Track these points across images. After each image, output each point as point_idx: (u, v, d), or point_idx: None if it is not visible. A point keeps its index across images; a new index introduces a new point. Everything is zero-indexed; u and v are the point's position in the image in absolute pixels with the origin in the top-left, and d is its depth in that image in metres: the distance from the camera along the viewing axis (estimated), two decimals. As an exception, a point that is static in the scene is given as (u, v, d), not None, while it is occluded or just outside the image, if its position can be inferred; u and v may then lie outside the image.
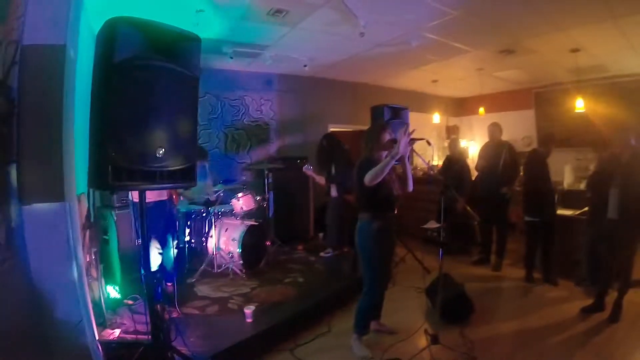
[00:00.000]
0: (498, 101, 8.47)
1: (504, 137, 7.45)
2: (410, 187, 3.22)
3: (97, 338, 2.67)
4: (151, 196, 3.02)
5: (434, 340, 3.15)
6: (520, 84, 7.73)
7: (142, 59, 1.97)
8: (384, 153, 3.13)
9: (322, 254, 5.53)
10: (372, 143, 3.15)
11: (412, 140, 2.96)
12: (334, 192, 5.04)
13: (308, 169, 4.96)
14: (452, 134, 8.82)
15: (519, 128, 7.83)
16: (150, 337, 2.35)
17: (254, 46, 5.12)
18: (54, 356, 2.23)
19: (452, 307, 3.68)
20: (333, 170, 4.87)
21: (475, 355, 3.09)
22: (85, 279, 2.60)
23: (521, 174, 5.19)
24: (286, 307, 3.78)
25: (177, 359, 2.60)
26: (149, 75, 2.00)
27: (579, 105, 6.09)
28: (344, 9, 3.89)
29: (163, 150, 2.07)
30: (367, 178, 2.90)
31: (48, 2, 2.20)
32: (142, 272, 2.29)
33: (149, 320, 2.31)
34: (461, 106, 9.54)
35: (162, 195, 3.71)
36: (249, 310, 3.45)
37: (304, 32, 4.65)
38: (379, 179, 2.87)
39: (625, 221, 3.61)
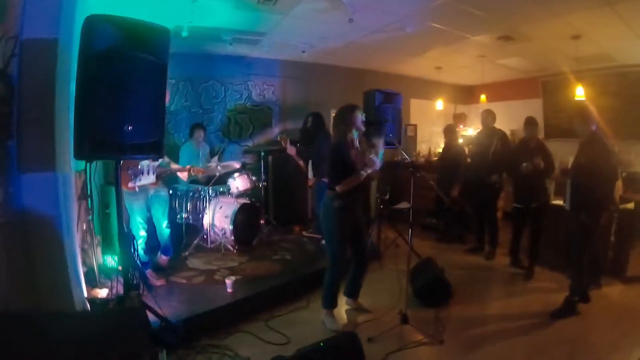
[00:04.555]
0: (505, 89, 8.41)
1: (512, 126, 7.49)
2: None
3: (85, 295, 2.99)
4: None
5: (404, 320, 3.28)
6: (527, 72, 7.66)
7: (116, 49, 2.27)
8: (356, 134, 3.28)
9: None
10: (343, 125, 3.25)
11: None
12: (310, 175, 5.11)
13: (285, 139, 5.03)
14: (460, 122, 8.81)
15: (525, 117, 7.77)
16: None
17: (252, 33, 5.31)
18: (44, 306, 2.55)
19: (429, 291, 3.81)
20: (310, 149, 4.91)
21: (443, 338, 3.18)
22: (75, 235, 2.96)
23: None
24: (267, 281, 4.01)
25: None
26: (121, 64, 2.30)
27: (579, 93, 6.02)
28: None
29: (131, 127, 2.34)
30: (342, 187, 3.13)
31: (43, 2, 2.53)
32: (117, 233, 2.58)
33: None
34: (470, 94, 9.48)
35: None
36: (229, 280, 3.69)
37: (297, 20, 4.79)
38: (351, 187, 3.14)
39: (576, 213, 3.59)
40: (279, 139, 5.05)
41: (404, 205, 4.74)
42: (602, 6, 4.26)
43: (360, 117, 3.27)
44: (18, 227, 2.46)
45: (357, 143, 3.29)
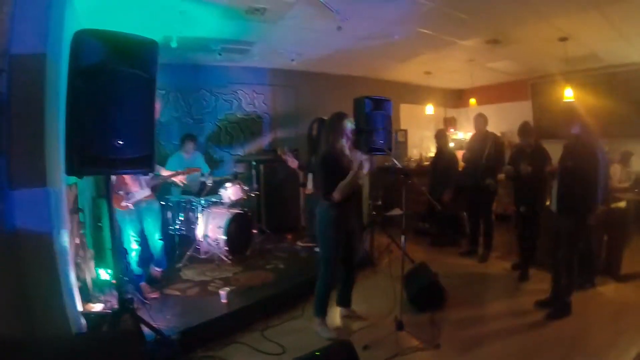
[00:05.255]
0: (495, 92, 8.53)
1: (502, 128, 7.57)
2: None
3: (79, 309, 2.96)
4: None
5: (399, 326, 3.27)
6: (516, 75, 7.74)
7: (104, 64, 2.28)
8: (346, 143, 3.29)
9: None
10: (332, 134, 3.26)
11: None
12: (309, 185, 5.09)
13: (285, 152, 5.04)
14: (450, 126, 8.87)
15: (515, 119, 7.81)
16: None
17: (241, 43, 5.33)
18: (38, 323, 2.52)
19: (424, 296, 3.82)
20: (313, 160, 4.78)
21: (438, 342, 3.20)
22: (68, 252, 2.93)
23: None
24: (262, 291, 4.00)
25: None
26: (109, 78, 2.31)
27: (568, 94, 6.08)
28: (319, 4, 4.02)
29: (121, 142, 2.35)
30: (336, 195, 3.12)
31: (31, 17, 2.51)
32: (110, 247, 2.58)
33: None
34: (459, 98, 9.56)
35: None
36: (223, 291, 3.68)
37: (286, 29, 4.82)
38: (347, 193, 3.14)
39: (563, 215, 3.62)
40: (279, 152, 5.07)
41: (396, 212, 4.75)
42: (588, 9, 4.31)
43: (349, 125, 3.28)
44: (10, 243, 2.44)
45: (347, 151, 3.30)
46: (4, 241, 2.37)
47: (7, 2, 2.35)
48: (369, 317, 3.71)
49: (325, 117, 4.07)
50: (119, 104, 2.34)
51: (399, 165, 3.47)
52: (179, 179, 4.33)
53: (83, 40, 2.21)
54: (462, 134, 8.77)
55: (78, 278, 3.30)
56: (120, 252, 2.78)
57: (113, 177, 3.47)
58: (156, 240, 4.10)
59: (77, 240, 3.58)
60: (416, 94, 8.84)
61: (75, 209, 3.52)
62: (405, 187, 3.36)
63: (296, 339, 3.29)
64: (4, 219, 2.39)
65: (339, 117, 3.31)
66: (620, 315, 3.62)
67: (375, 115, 5.02)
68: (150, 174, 3.69)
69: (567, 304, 3.63)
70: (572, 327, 3.43)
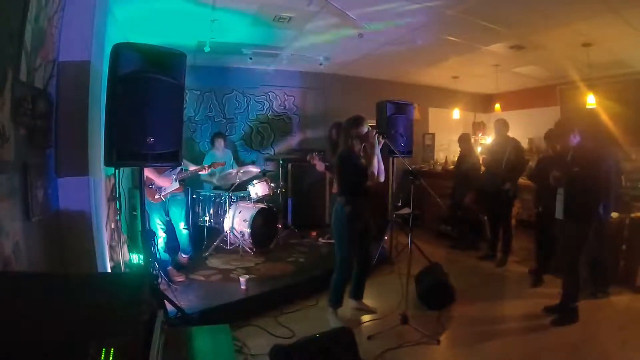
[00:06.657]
0: (523, 98, 8.44)
1: (530, 134, 7.53)
2: (382, 178, 3.57)
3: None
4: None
5: (404, 320, 3.45)
6: (544, 80, 7.66)
7: (139, 72, 2.63)
8: (361, 145, 3.50)
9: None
10: (349, 138, 3.49)
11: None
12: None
13: (313, 157, 5.31)
14: (479, 131, 8.85)
15: (544, 125, 7.72)
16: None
17: (270, 47, 5.64)
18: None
19: (432, 294, 3.96)
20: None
21: (440, 338, 3.33)
22: (104, 232, 3.34)
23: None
24: (280, 280, 4.28)
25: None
26: (144, 85, 2.66)
27: (590, 101, 6.03)
28: (340, 13, 4.25)
29: (153, 139, 2.68)
30: (375, 178, 3.41)
31: (77, 29, 2.88)
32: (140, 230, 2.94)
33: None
34: (489, 102, 9.45)
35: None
36: (243, 278, 3.97)
37: (312, 35, 5.08)
38: (377, 170, 3.39)
39: (568, 221, 3.64)
40: (308, 158, 5.35)
41: (405, 211, 4.90)
42: (606, 13, 4.27)
43: (365, 130, 3.49)
44: (54, 224, 2.81)
45: (362, 152, 3.52)
46: (50, 219, 2.73)
47: (56, 17, 2.71)
48: (378, 311, 3.89)
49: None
50: (152, 106, 2.68)
51: (408, 167, 3.66)
52: (204, 172, 4.70)
53: (121, 52, 2.57)
54: (490, 139, 8.72)
55: (112, 259, 3.69)
56: (148, 235, 3.11)
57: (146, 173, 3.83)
58: (181, 229, 4.46)
59: (113, 225, 3.98)
60: (445, 98, 8.86)
61: (113, 197, 3.91)
62: (414, 188, 3.55)
63: (306, 326, 3.49)
64: (50, 202, 2.76)
65: (355, 123, 3.51)
66: (629, 325, 3.59)
67: (396, 119, 5.20)
68: (178, 168, 4.07)
69: (573, 310, 3.63)
70: (575, 335, 3.43)
